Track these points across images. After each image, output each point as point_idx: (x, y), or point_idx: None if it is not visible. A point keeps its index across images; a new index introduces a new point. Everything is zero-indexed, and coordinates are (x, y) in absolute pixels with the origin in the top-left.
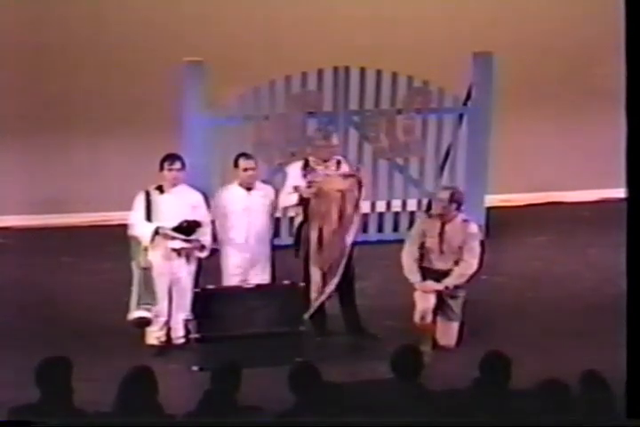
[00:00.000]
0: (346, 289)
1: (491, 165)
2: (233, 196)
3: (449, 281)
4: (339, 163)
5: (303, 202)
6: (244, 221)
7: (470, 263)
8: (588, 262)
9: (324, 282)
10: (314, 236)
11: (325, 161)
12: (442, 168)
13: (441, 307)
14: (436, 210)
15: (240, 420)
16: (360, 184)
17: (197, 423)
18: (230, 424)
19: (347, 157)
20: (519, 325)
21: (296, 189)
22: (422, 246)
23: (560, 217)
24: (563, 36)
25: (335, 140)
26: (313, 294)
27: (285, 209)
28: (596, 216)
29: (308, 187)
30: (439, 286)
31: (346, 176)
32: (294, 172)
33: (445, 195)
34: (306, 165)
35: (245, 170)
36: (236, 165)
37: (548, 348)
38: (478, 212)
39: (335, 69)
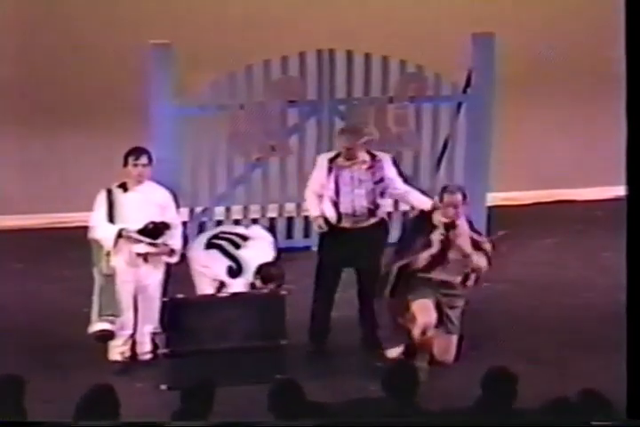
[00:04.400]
0: (368, 300)
1: (492, 159)
2: None
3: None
4: (375, 160)
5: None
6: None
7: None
8: (602, 267)
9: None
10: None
11: (349, 159)
12: (438, 163)
13: (440, 319)
14: (447, 217)
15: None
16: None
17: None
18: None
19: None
20: (525, 337)
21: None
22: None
23: (570, 217)
24: (569, 16)
25: (361, 138)
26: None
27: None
28: (610, 216)
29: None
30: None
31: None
32: (322, 163)
33: (457, 197)
34: (335, 158)
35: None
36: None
37: (557, 362)
38: (479, 211)
39: (319, 53)
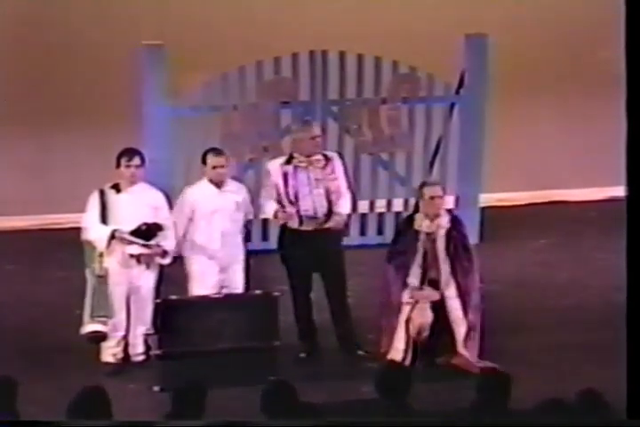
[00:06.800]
0: (337, 301)
1: (486, 159)
2: (203, 194)
3: None
4: (327, 158)
5: None
6: (217, 222)
7: None
8: (595, 268)
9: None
10: None
11: (308, 156)
12: (431, 164)
13: (435, 319)
14: (433, 210)
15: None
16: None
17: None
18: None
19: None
20: (518, 338)
21: None
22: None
23: (563, 218)
24: (564, 16)
25: (317, 129)
26: None
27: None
28: (604, 217)
29: None
30: (436, 296)
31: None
32: (274, 168)
33: (437, 189)
34: (288, 162)
35: (214, 168)
36: (203, 161)
37: (551, 364)
38: (472, 212)
39: (312, 54)
